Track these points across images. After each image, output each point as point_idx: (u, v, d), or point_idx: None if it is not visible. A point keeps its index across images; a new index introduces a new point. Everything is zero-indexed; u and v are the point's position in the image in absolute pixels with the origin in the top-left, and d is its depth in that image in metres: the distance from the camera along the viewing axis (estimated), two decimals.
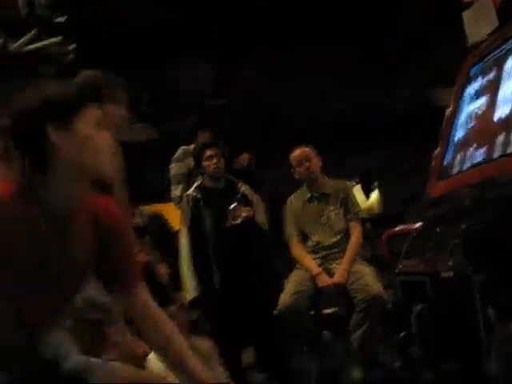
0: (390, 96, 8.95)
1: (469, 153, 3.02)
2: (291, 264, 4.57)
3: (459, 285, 2.65)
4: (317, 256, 4.42)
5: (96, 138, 1.77)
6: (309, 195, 4.54)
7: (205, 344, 4.28)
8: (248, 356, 4.87)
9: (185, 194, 4.78)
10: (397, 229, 4.45)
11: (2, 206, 1.68)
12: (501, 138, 2.50)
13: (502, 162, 2.44)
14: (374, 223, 6.55)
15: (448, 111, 3.52)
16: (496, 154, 2.52)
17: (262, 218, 4.75)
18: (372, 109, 8.94)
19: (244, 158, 5.41)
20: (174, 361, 2.02)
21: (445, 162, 3.38)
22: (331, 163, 4.79)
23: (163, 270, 5.01)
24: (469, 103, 3.36)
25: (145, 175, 6.16)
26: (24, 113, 1.73)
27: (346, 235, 4.45)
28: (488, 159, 2.60)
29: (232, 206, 4.52)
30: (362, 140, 8.78)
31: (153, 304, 2.05)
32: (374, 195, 8.49)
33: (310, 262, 4.35)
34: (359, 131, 8.74)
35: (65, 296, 1.90)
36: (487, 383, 2.48)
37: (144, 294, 2.01)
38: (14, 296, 1.74)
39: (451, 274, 2.68)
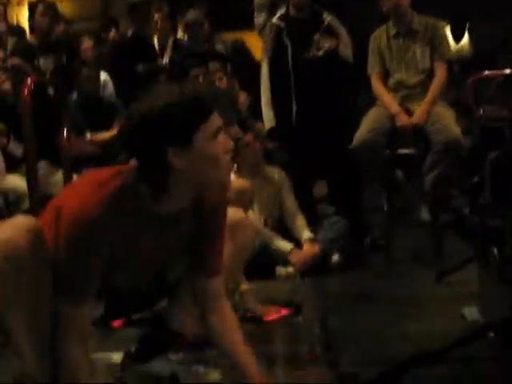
0: None
1: None
2: (373, 101, 4.49)
3: None
4: (398, 94, 4.31)
5: (213, 148, 1.73)
6: (395, 31, 4.36)
7: (278, 173, 4.37)
8: (320, 189, 4.96)
9: (268, 23, 4.67)
10: (484, 74, 4.28)
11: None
12: None
13: None
14: (463, 67, 6.30)
15: None
16: None
17: (347, 51, 4.62)
18: None
19: None
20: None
21: None
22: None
23: (243, 98, 5.04)
24: None
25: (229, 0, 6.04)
26: (144, 134, 1.68)
27: (430, 75, 4.29)
28: None
29: (315, 37, 4.41)
30: None
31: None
32: (465, 38, 8.09)
33: (390, 100, 4.26)
34: None
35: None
36: None
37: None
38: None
39: None
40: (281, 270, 3.96)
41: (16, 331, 1.74)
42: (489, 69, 4.59)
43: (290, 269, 3.95)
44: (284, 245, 4.05)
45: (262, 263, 3.92)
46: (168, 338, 2.04)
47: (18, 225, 1.73)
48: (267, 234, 4.07)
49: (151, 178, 1.71)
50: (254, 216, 4.14)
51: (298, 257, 4.00)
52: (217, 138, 1.72)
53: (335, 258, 4.15)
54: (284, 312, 2.89)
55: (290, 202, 4.28)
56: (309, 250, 4.05)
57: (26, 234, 1.70)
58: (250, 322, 2.79)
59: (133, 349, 2.06)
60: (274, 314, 2.87)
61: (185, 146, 1.68)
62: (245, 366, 1.90)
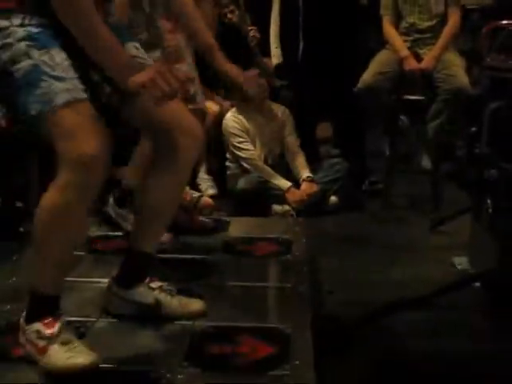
0: None
1: None
2: (383, 44, 4.41)
3: None
4: (408, 38, 4.24)
5: None
6: None
7: (282, 111, 4.33)
8: (324, 130, 4.93)
9: None
10: (501, 23, 4.18)
11: None
12: None
13: None
14: (483, 14, 6.16)
15: None
16: None
17: None
18: None
19: None
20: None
21: None
22: None
23: (253, 33, 4.95)
24: None
25: None
26: None
27: (443, 21, 4.21)
28: None
29: None
30: None
31: None
32: None
33: (400, 44, 4.19)
34: None
35: None
36: None
37: None
38: None
39: None
40: (276, 208, 3.98)
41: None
42: (509, 17, 4.49)
43: (286, 207, 3.97)
44: (282, 182, 4.05)
45: (258, 201, 3.96)
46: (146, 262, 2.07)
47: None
48: (266, 171, 4.07)
49: None
50: (256, 152, 4.14)
51: (294, 195, 4.01)
52: None
53: (333, 199, 4.16)
54: (274, 248, 2.89)
55: (292, 141, 4.27)
56: (306, 188, 4.06)
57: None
58: (240, 255, 2.81)
59: (114, 274, 2.08)
60: (263, 250, 2.88)
61: None
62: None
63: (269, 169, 4.11)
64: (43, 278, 1.82)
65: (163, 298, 2.06)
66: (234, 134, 4.11)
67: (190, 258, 2.66)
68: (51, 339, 1.77)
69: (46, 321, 1.79)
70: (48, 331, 1.78)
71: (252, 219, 2.91)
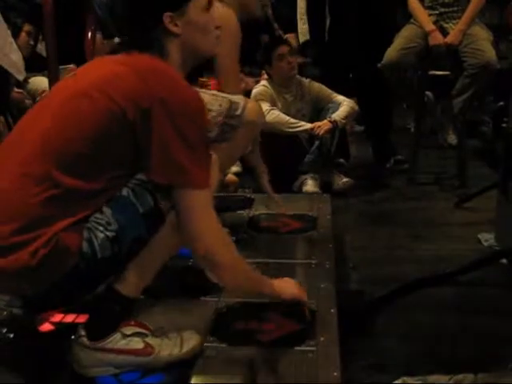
0: None
1: None
2: (409, 18, 4.36)
3: None
4: (434, 12, 4.17)
5: (205, 18, 1.86)
6: None
7: (308, 83, 4.27)
8: None
9: None
10: None
11: None
12: None
13: None
14: None
15: None
16: None
17: None
18: None
19: None
20: None
21: None
22: None
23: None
24: None
25: None
26: (140, 4, 1.81)
27: None
28: None
29: None
30: None
31: None
32: None
33: (425, 18, 4.13)
34: None
35: None
36: None
37: None
38: None
39: None
40: (306, 185, 3.94)
41: None
42: None
43: (312, 187, 3.93)
44: (305, 124, 4.00)
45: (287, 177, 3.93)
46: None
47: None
48: (288, 121, 4.00)
49: (153, 45, 1.79)
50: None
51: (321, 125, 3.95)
52: (208, 12, 1.86)
53: (345, 180, 4.08)
54: (299, 225, 2.90)
55: (325, 91, 4.18)
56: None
57: None
58: (265, 232, 2.82)
59: None
60: (288, 226, 2.89)
61: (180, 13, 1.80)
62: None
63: (293, 120, 4.00)
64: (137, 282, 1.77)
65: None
66: (261, 100, 4.02)
67: None
68: (145, 335, 1.78)
69: (126, 322, 1.78)
70: (137, 329, 1.78)
71: (277, 195, 2.90)
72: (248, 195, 3.33)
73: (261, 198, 3.17)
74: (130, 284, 1.74)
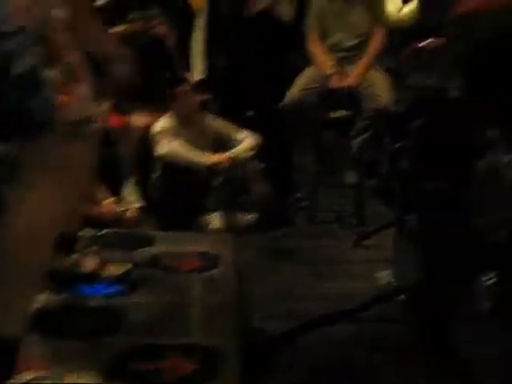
0: None
1: None
2: (309, 60, 4.47)
3: (463, 106, 2.61)
4: (334, 56, 4.31)
5: None
6: None
7: (212, 120, 4.29)
8: None
9: None
10: (422, 43, 4.32)
11: None
12: None
13: None
14: (406, 34, 6.33)
15: None
16: None
17: (286, 9, 4.57)
18: None
19: None
20: None
21: None
22: None
23: (170, 40, 4.88)
24: None
25: None
26: None
27: (368, 39, 4.30)
28: None
29: None
30: None
31: None
32: (410, 5, 8.10)
33: (325, 61, 4.26)
34: None
35: None
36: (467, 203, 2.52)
37: None
38: None
39: (457, 93, 2.62)
40: (210, 222, 3.94)
41: None
42: (431, 37, 4.63)
43: (215, 224, 3.93)
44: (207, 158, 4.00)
45: (184, 215, 3.92)
46: None
47: None
48: (190, 154, 3.98)
49: None
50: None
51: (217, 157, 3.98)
52: None
53: (250, 217, 4.11)
54: (201, 263, 2.87)
55: (227, 126, 4.21)
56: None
57: None
58: (166, 270, 2.78)
59: None
60: (189, 265, 2.86)
61: None
62: None
63: (195, 153, 4.00)
64: None
65: None
66: (164, 134, 4.02)
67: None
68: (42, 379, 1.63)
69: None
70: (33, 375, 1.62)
71: (179, 233, 2.87)
72: (149, 232, 3.28)
73: (162, 235, 3.12)
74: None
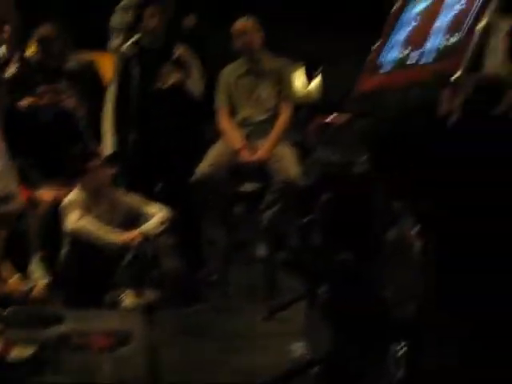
0: None
1: (404, 53, 2.98)
2: (219, 135, 4.54)
3: (367, 181, 2.70)
4: (243, 131, 4.40)
5: None
6: (244, 69, 4.47)
7: (123, 195, 4.27)
8: None
9: (120, 48, 4.65)
10: (328, 119, 4.47)
11: None
12: (429, 46, 2.47)
13: (420, 68, 2.43)
14: (312, 110, 6.56)
15: (395, 8, 3.46)
16: (422, 61, 2.50)
17: (195, 84, 4.65)
18: None
19: (190, 18, 5.25)
20: None
21: (381, 58, 3.34)
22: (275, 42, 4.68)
23: (80, 113, 4.87)
24: (417, 4, 3.29)
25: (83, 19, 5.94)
26: None
27: (276, 114, 4.42)
28: (416, 63, 2.58)
29: (164, 69, 4.43)
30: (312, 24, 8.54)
31: None
32: (316, 82, 8.44)
33: (235, 136, 4.34)
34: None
35: None
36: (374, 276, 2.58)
37: None
38: None
39: (362, 168, 2.71)
40: (119, 299, 3.86)
41: None
42: (336, 113, 4.80)
43: (126, 301, 3.86)
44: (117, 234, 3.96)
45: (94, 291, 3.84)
46: None
47: None
48: (100, 229, 3.95)
49: None
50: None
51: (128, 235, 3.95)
52: None
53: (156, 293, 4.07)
54: (111, 342, 2.82)
55: (138, 201, 4.19)
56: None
57: None
58: (74, 350, 2.71)
59: None
60: (100, 343, 2.80)
61: None
62: None
63: (105, 228, 3.98)
64: None
65: None
66: (73, 208, 3.97)
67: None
68: None
69: None
70: None
71: (88, 311, 2.82)
72: (57, 310, 3.21)
73: (71, 312, 3.05)
74: None
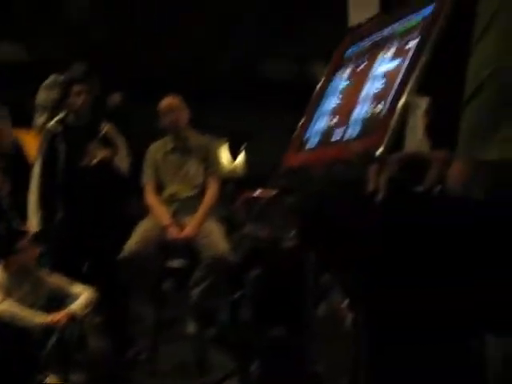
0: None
1: (329, 129, 3.07)
2: (146, 212, 4.53)
3: (296, 255, 2.73)
4: (171, 207, 4.40)
5: None
6: (171, 146, 4.51)
7: (53, 277, 4.17)
8: None
9: (46, 126, 4.63)
10: (254, 194, 4.53)
11: None
12: (353, 118, 2.56)
13: (344, 145, 2.51)
14: (237, 185, 6.63)
15: (319, 85, 3.58)
16: (345, 137, 2.59)
17: (122, 161, 4.66)
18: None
19: (116, 96, 5.30)
20: None
21: (306, 135, 3.43)
22: (199, 119, 4.76)
23: (3, 191, 4.79)
24: (340, 80, 3.42)
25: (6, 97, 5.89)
26: None
27: (203, 190, 4.45)
28: (341, 139, 2.66)
29: (90, 146, 4.43)
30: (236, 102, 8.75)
31: None
32: (240, 157, 8.58)
33: (162, 212, 4.34)
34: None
35: None
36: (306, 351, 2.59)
37: None
38: None
39: (291, 243, 2.75)
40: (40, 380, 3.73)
41: None
42: (261, 188, 4.88)
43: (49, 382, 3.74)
44: (41, 316, 3.83)
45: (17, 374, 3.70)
46: None
47: None
48: (22, 312, 3.82)
49: None
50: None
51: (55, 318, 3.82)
52: None
53: (82, 376, 3.97)
54: None
55: (62, 281, 4.10)
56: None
57: None
58: None
59: None
60: None
61: None
62: None
63: (28, 311, 3.84)
64: None
65: None
66: None
67: None
68: None
69: None
70: None
71: None
72: None
73: None
74: None
